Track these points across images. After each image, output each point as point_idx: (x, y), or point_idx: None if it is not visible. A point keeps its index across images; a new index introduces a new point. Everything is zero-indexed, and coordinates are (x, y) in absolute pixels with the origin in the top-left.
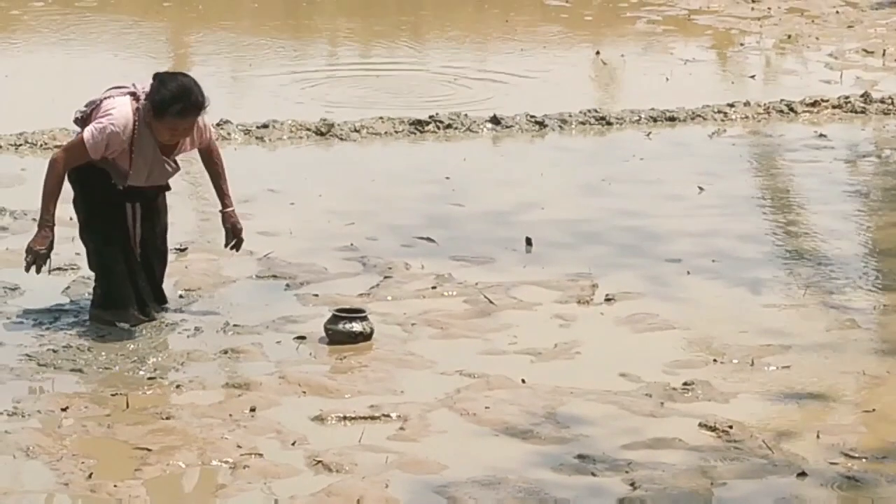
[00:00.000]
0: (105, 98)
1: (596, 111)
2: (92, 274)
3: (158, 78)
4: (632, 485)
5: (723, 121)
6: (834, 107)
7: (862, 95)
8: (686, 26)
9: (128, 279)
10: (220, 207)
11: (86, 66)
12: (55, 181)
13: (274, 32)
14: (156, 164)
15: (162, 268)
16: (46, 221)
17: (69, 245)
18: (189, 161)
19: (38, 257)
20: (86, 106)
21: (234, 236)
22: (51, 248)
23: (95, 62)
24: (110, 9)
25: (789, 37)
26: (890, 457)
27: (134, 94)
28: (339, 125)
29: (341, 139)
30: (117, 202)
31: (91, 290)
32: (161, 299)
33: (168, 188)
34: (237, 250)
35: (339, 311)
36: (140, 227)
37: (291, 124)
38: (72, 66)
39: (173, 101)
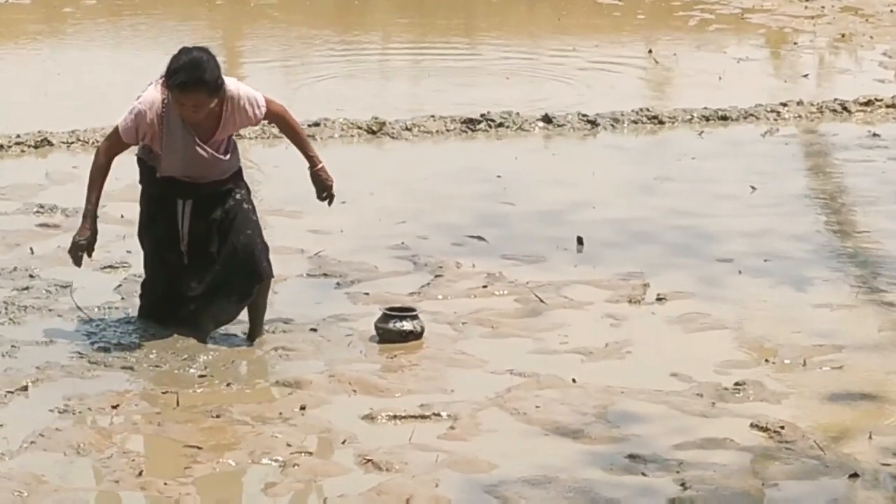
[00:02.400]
0: None
1: (648, 110)
2: (143, 272)
3: (182, 49)
4: (682, 485)
5: (776, 120)
6: (888, 106)
7: None
8: (739, 24)
9: (156, 287)
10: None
11: (137, 63)
12: (96, 171)
13: (326, 30)
14: (188, 149)
15: (241, 286)
16: (87, 212)
17: (120, 243)
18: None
19: (76, 248)
20: None
21: (322, 190)
22: (92, 239)
23: (147, 60)
24: (162, 6)
25: (843, 35)
26: None
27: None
28: (390, 123)
29: (393, 138)
30: (169, 197)
31: None
32: (220, 316)
33: (233, 193)
34: (329, 204)
35: (389, 309)
36: (189, 227)
37: (343, 122)
38: (123, 64)
39: (176, 73)
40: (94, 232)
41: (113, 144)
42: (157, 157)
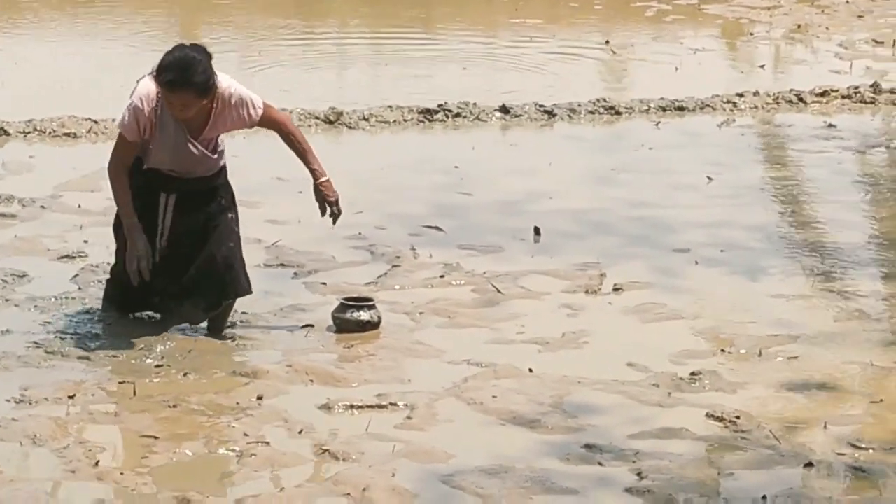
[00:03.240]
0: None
1: (605, 100)
2: (100, 262)
3: (177, 46)
4: (639, 475)
5: (732, 110)
6: (843, 97)
7: (871, 85)
8: (696, 15)
9: (124, 277)
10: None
11: (94, 53)
12: (118, 187)
13: (283, 19)
14: (179, 144)
15: (212, 297)
16: (133, 226)
17: (77, 233)
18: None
19: (136, 260)
20: None
21: (324, 205)
22: (146, 247)
23: (104, 49)
24: None
25: (799, 26)
26: None
27: None
28: (347, 113)
29: (350, 128)
30: (152, 189)
31: (99, 278)
32: (185, 317)
33: (218, 197)
34: (333, 222)
35: (346, 299)
36: (170, 224)
37: (300, 112)
38: (80, 54)
39: (164, 70)
40: (146, 242)
41: (120, 151)
42: (146, 148)
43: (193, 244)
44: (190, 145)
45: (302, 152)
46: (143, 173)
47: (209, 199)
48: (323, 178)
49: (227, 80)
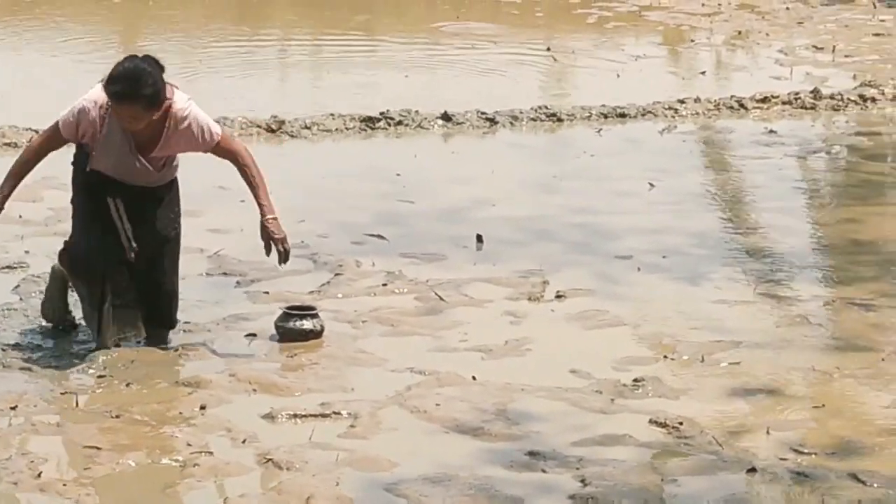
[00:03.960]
0: None
1: (547, 108)
2: (42, 272)
3: (128, 56)
4: (582, 481)
5: (673, 117)
6: (784, 103)
7: (812, 91)
8: (637, 22)
9: (90, 239)
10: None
11: (35, 62)
12: (18, 165)
13: (225, 29)
14: (123, 155)
15: (149, 325)
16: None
17: (18, 243)
18: None
19: None
20: None
21: (268, 244)
22: None
23: (44, 58)
24: (59, 5)
25: (739, 33)
26: (839, 452)
27: None
28: (289, 122)
29: (292, 136)
30: (98, 192)
31: (41, 288)
32: (154, 318)
33: (167, 206)
34: (281, 262)
35: (289, 308)
36: (130, 227)
37: (242, 121)
38: (21, 63)
39: (113, 81)
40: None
41: (49, 138)
42: (90, 152)
43: (144, 260)
44: (135, 160)
45: (254, 186)
46: (86, 173)
47: (157, 209)
48: (270, 216)
49: (184, 102)
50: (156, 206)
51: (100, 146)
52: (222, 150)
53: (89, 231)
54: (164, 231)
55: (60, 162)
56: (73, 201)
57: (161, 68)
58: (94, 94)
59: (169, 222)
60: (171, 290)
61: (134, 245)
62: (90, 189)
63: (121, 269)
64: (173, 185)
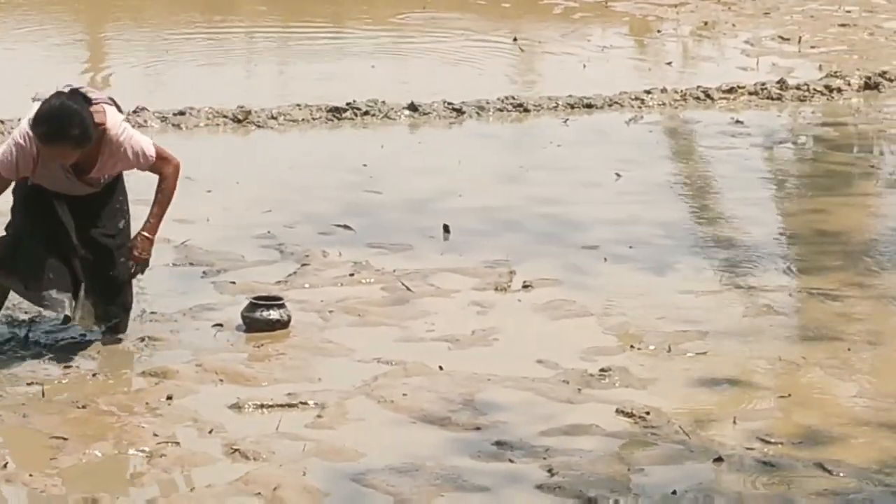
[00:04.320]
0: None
1: (513, 98)
2: None
3: (55, 94)
4: (549, 471)
5: (640, 107)
6: (750, 93)
7: (778, 82)
8: (603, 13)
9: (35, 254)
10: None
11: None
12: None
13: (192, 19)
14: (62, 180)
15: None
16: None
17: None
18: None
19: None
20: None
21: (131, 258)
22: None
23: (7, 48)
24: None
25: (706, 24)
26: (805, 441)
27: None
28: (256, 112)
29: (259, 126)
30: (41, 195)
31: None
32: (110, 308)
33: (111, 196)
34: (133, 274)
35: (256, 298)
36: (73, 223)
37: (208, 111)
38: None
39: (39, 123)
40: None
41: None
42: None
43: (94, 252)
44: (73, 180)
45: (157, 203)
46: (27, 186)
47: (104, 202)
48: (147, 234)
49: (117, 127)
50: (100, 200)
51: (39, 173)
52: (156, 168)
53: (26, 237)
54: (110, 222)
55: None
56: (13, 210)
57: (88, 102)
58: (26, 127)
59: (115, 213)
60: (123, 280)
61: (76, 243)
62: (32, 195)
63: (69, 265)
64: (117, 178)
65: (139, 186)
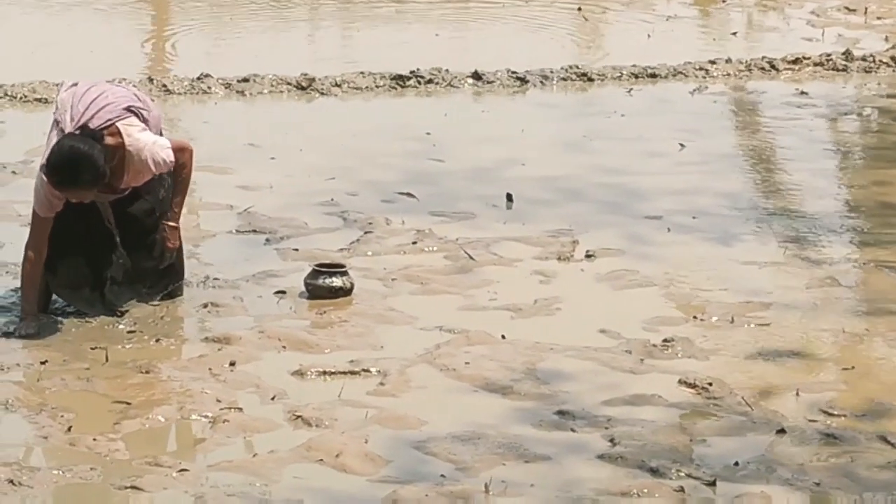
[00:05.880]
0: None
1: (577, 67)
2: None
3: (66, 135)
4: (611, 441)
5: (704, 78)
6: (815, 64)
7: (843, 53)
8: None
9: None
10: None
11: (64, 17)
12: (28, 267)
13: None
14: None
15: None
16: (27, 312)
17: None
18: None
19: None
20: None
21: (158, 249)
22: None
23: (73, 13)
24: None
25: None
26: (868, 414)
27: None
28: (319, 80)
29: (322, 94)
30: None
31: None
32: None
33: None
34: (160, 263)
35: (319, 265)
36: (111, 210)
37: (272, 78)
38: (51, 18)
39: (51, 171)
40: (36, 328)
41: (37, 229)
42: None
43: (140, 232)
44: (102, 196)
45: (178, 191)
46: None
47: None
48: (173, 223)
49: (137, 142)
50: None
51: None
52: (175, 164)
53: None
54: (150, 194)
55: None
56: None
57: (98, 140)
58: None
59: (154, 184)
60: (165, 251)
61: (116, 233)
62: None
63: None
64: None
65: None
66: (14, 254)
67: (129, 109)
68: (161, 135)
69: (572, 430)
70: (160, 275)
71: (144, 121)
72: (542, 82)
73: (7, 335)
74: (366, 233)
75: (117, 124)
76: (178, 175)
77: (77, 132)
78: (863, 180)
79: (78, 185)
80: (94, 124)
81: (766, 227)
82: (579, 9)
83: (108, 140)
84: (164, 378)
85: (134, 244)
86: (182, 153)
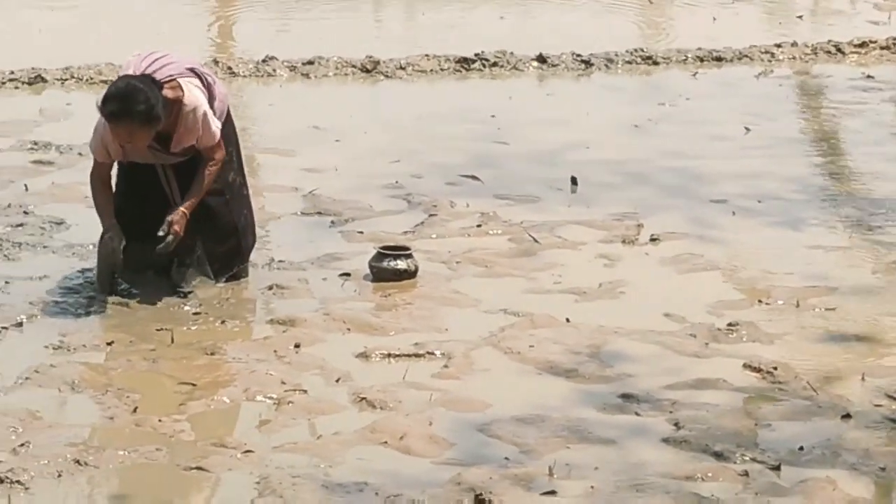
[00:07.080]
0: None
1: (642, 50)
2: None
3: (122, 76)
4: (675, 424)
5: (770, 61)
6: (882, 48)
7: None
8: None
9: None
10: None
11: (131, 1)
12: (97, 195)
13: None
14: (148, 155)
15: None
16: (110, 226)
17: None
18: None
19: (111, 254)
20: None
21: (166, 230)
22: (116, 251)
23: None
24: None
25: None
26: None
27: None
28: (384, 62)
29: (387, 76)
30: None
31: None
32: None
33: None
34: (164, 248)
35: (383, 248)
36: (177, 188)
37: (337, 61)
38: (116, 1)
39: (105, 102)
40: (118, 245)
41: (96, 169)
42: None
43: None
44: (158, 155)
45: (199, 182)
46: (125, 164)
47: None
48: (186, 211)
49: (195, 101)
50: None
51: (128, 150)
52: (211, 151)
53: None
54: (219, 177)
55: None
56: (116, 192)
57: (156, 85)
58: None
59: (223, 166)
60: (242, 227)
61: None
62: (130, 173)
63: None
64: (225, 125)
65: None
66: (80, 235)
67: (192, 70)
68: (227, 112)
69: (636, 414)
70: (227, 257)
71: (207, 86)
72: (606, 65)
73: (76, 315)
74: (430, 215)
75: (178, 79)
76: (207, 168)
77: (137, 75)
78: None
79: (130, 117)
80: (156, 77)
81: (831, 212)
82: None
83: (167, 92)
84: (230, 360)
85: (200, 227)
86: (219, 150)
